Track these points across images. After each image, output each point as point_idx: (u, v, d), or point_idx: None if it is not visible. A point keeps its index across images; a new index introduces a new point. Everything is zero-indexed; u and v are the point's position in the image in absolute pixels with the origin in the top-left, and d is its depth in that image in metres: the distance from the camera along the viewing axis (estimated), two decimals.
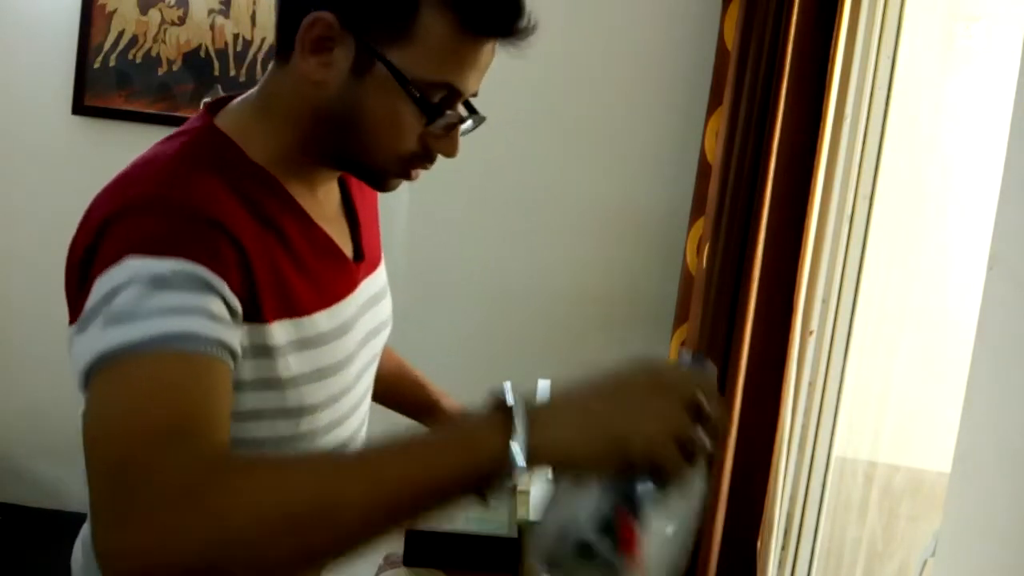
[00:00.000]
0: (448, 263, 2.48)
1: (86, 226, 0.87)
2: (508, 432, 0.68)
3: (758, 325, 2.06)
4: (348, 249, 1.04)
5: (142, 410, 0.72)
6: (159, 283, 0.77)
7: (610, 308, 2.47)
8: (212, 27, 2.49)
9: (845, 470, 2.11)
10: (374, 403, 1.18)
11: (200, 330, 0.77)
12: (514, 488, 1.44)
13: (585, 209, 2.46)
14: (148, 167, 0.89)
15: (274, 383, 0.91)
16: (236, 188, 0.89)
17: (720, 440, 0.73)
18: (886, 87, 1.99)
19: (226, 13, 2.48)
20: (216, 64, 2.49)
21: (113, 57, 2.50)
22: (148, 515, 0.66)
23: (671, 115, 2.41)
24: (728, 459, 2.07)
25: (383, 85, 0.87)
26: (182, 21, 2.49)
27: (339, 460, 0.75)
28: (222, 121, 0.96)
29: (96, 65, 2.50)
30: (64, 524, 2.58)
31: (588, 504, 0.72)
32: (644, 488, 0.71)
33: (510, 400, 0.69)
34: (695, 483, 0.75)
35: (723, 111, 2.16)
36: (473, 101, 0.98)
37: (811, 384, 2.06)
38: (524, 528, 0.83)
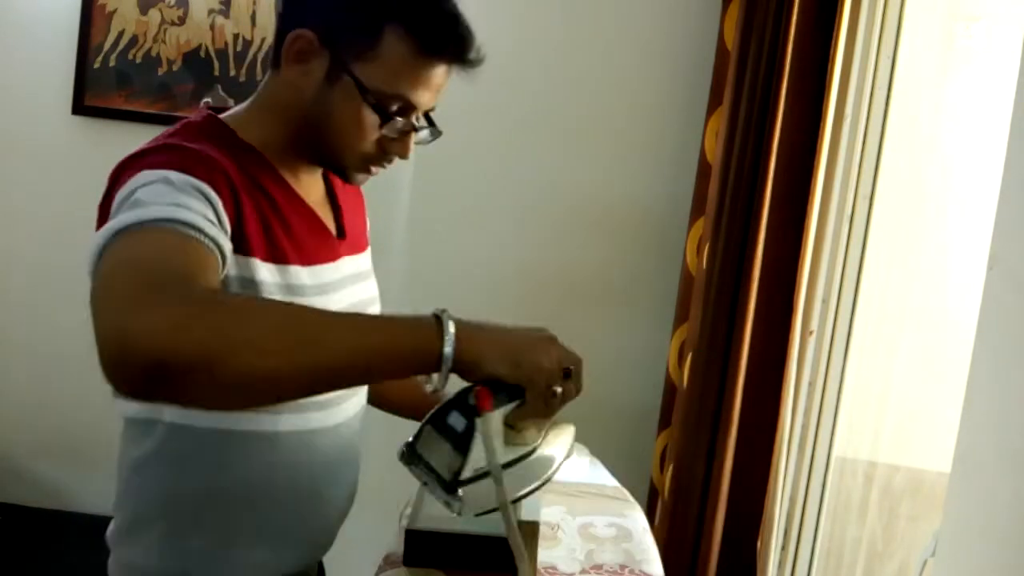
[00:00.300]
0: (447, 262, 2.48)
1: (107, 185, 1.02)
2: (442, 336, 0.85)
3: (758, 325, 2.06)
4: (331, 227, 1.17)
5: (161, 256, 0.85)
6: (168, 183, 0.92)
7: (610, 308, 2.47)
8: (212, 27, 2.49)
9: (845, 470, 2.11)
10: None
11: (202, 225, 0.90)
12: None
13: (585, 209, 2.46)
14: (153, 140, 1.05)
15: None
16: (230, 154, 1.03)
17: (565, 400, 0.91)
18: (886, 87, 1.99)
19: (226, 13, 2.48)
20: (216, 64, 2.49)
21: (113, 57, 2.50)
22: (173, 306, 0.77)
23: (671, 115, 2.41)
24: (728, 459, 2.07)
25: (349, 93, 1.03)
26: (182, 21, 2.49)
27: (329, 312, 0.92)
28: (221, 115, 1.12)
29: (96, 65, 2.50)
30: (64, 524, 2.59)
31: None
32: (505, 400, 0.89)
33: (445, 317, 0.86)
34: (538, 429, 0.95)
35: (723, 111, 2.16)
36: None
37: (811, 384, 2.06)
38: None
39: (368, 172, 1.11)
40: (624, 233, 2.46)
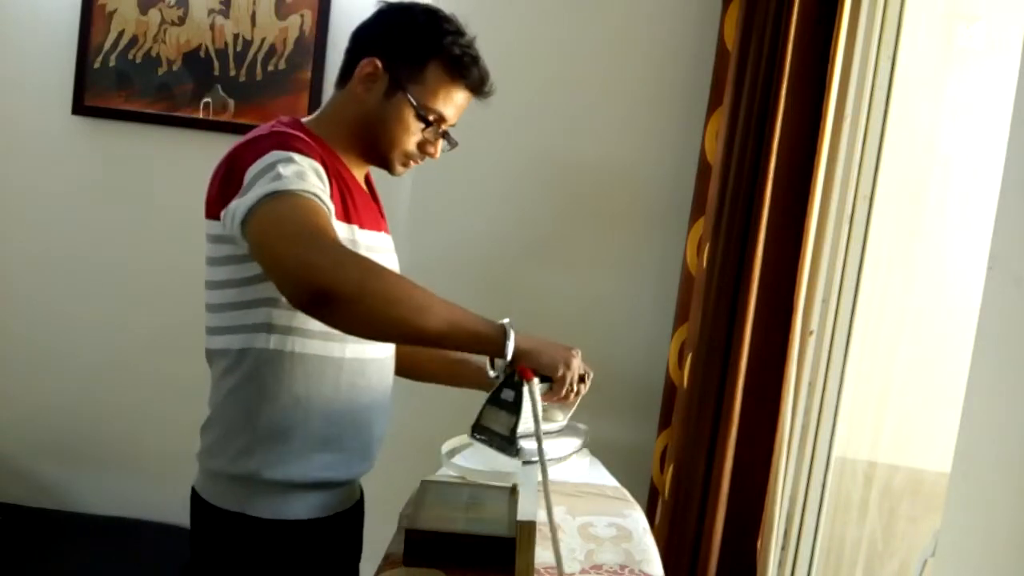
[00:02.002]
0: (447, 261, 2.48)
1: (222, 164, 1.33)
2: (507, 332, 1.23)
3: (758, 325, 2.06)
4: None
5: (311, 215, 1.19)
6: (295, 163, 1.25)
7: (611, 308, 2.47)
8: (212, 27, 2.49)
9: (845, 470, 2.11)
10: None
11: (322, 195, 1.24)
12: (515, 488, 1.45)
13: (585, 208, 2.46)
14: (258, 130, 1.37)
15: None
16: (314, 142, 1.37)
17: (579, 394, 1.34)
18: (886, 87, 1.99)
19: (226, 13, 2.48)
20: (216, 64, 2.49)
21: (113, 57, 2.50)
22: (338, 254, 1.15)
23: (671, 115, 2.41)
24: (728, 459, 2.07)
25: (401, 105, 1.41)
26: (182, 21, 2.49)
27: (433, 294, 1.22)
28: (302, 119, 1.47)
29: (96, 65, 2.50)
30: (64, 524, 2.59)
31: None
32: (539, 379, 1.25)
33: (508, 324, 1.23)
34: (560, 410, 1.43)
35: (723, 111, 2.16)
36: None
37: (811, 384, 2.06)
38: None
39: (407, 166, 1.47)
40: (624, 233, 2.46)
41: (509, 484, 1.47)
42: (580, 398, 1.35)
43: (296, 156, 1.26)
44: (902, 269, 2.10)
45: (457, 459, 1.61)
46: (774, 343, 2.05)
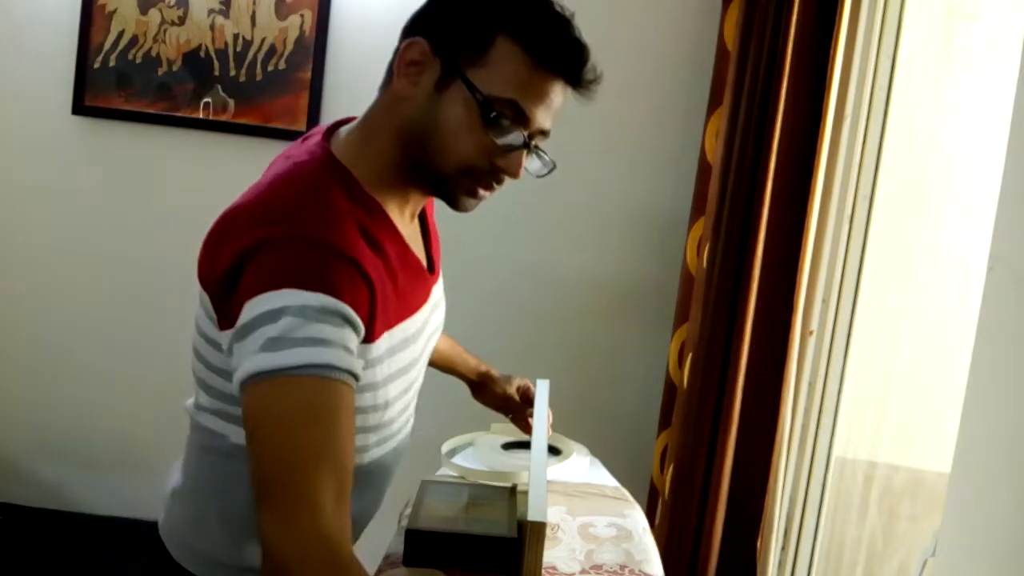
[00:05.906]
0: (449, 262, 2.48)
1: (225, 248, 0.99)
2: None
3: (758, 325, 2.06)
4: (423, 261, 1.18)
5: (291, 430, 0.91)
6: (309, 315, 0.93)
7: (611, 308, 2.47)
8: (212, 27, 2.49)
9: (845, 470, 2.11)
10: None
11: (336, 362, 0.93)
12: (515, 488, 1.45)
13: (585, 209, 2.46)
14: (280, 198, 1.02)
15: (371, 386, 1.07)
16: (354, 217, 1.02)
17: None
18: (886, 87, 1.99)
19: (226, 13, 2.48)
20: (216, 64, 2.49)
21: (113, 57, 2.50)
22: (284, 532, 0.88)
23: (671, 115, 2.41)
24: (728, 459, 2.07)
25: (458, 98, 1.03)
26: (182, 21, 2.49)
27: None
28: (336, 148, 1.09)
29: (96, 65, 2.50)
30: (64, 524, 2.59)
31: None
32: None
33: None
34: None
35: (723, 111, 2.16)
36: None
37: (811, 384, 2.06)
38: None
39: (475, 194, 1.10)
40: (624, 233, 2.46)
41: (509, 484, 1.47)
42: None
43: (312, 300, 0.93)
44: (902, 269, 2.10)
45: (457, 459, 1.61)
46: (774, 343, 2.05)
